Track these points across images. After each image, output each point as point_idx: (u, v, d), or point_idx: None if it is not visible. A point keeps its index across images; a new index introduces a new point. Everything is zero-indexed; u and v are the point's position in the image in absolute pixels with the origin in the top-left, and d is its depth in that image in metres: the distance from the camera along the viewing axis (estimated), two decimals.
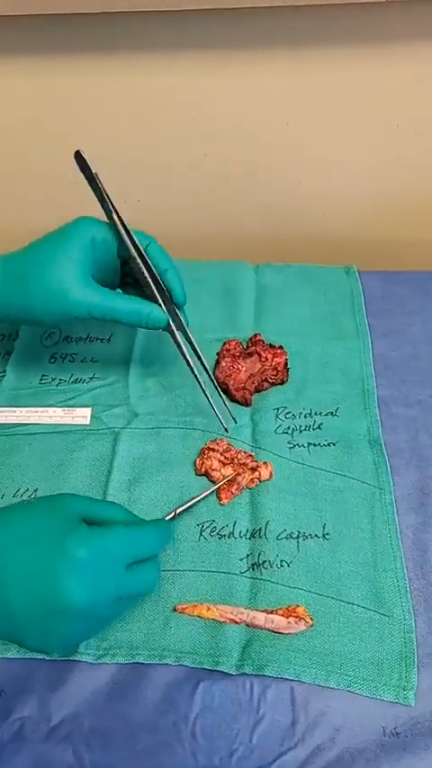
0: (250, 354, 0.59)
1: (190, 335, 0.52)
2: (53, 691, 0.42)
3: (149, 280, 0.49)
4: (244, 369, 0.58)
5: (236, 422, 0.55)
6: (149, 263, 0.49)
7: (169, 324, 0.50)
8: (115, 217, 0.48)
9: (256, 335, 0.61)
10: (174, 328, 0.51)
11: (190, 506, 0.48)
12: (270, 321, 0.64)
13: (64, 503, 0.40)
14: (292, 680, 0.42)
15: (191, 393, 0.57)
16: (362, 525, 0.49)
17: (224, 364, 0.59)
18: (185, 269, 0.68)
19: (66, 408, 0.56)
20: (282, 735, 0.40)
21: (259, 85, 0.67)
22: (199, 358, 0.53)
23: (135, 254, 0.48)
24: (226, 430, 0.53)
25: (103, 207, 0.48)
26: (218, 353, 0.60)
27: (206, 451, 0.52)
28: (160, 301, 0.49)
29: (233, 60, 0.65)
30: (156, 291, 0.49)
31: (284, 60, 0.65)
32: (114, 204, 0.48)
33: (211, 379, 0.54)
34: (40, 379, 0.59)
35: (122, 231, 0.48)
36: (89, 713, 0.41)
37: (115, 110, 0.70)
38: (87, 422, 0.55)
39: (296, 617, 0.44)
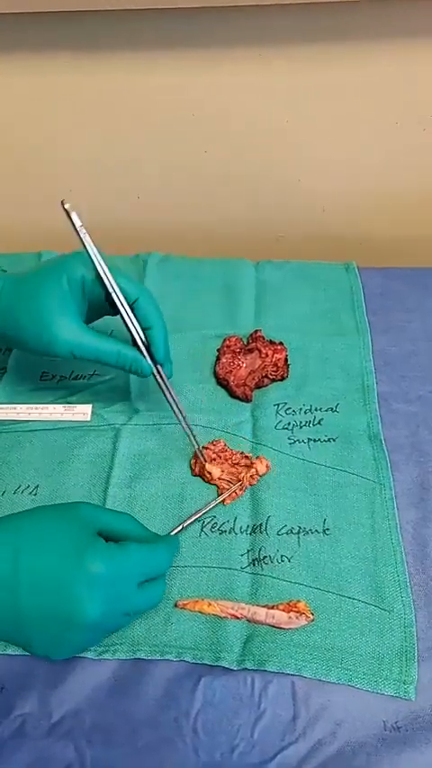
0: (251, 350, 0.59)
1: (170, 388, 0.51)
2: (54, 687, 0.41)
3: (134, 334, 0.49)
4: (244, 365, 0.58)
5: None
6: (132, 319, 0.49)
7: (153, 373, 0.50)
8: (101, 271, 0.47)
9: (256, 332, 0.61)
10: (158, 378, 0.51)
11: (196, 519, 0.49)
12: (270, 317, 0.64)
13: (79, 512, 0.41)
14: (293, 675, 0.42)
15: (192, 390, 0.58)
16: (362, 520, 0.49)
17: (225, 360, 0.59)
18: (186, 266, 0.69)
19: (66, 405, 0.56)
20: (283, 729, 0.40)
21: (259, 83, 0.67)
22: (180, 410, 0.52)
23: (121, 311, 0.48)
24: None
25: (89, 258, 0.47)
26: (218, 350, 0.60)
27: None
28: (144, 352, 0.50)
29: (233, 58, 0.65)
30: (141, 344, 0.50)
31: (284, 58, 0.65)
32: (100, 257, 0.47)
33: (190, 430, 0.52)
34: (41, 376, 0.59)
35: (109, 287, 0.47)
36: (90, 709, 0.41)
37: (115, 107, 0.70)
38: (88, 418, 0.55)
39: (297, 612, 0.44)
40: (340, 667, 0.42)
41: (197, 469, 0.51)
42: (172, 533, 0.47)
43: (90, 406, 0.56)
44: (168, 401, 0.52)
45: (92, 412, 0.56)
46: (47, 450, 0.53)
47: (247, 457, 0.52)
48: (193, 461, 0.52)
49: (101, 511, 0.43)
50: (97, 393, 0.58)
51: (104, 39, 0.64)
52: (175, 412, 0.52)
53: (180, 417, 0.52)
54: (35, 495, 0.51)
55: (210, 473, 0.51)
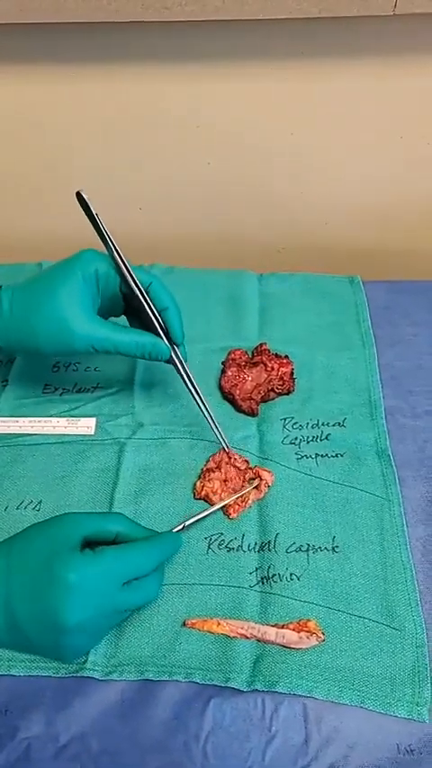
0: (256, 364, 0.59)
1: (188, 370, 0.52)
2: (60, 709, 0.40)
3: (151, 317, 0.50)
4: (250, 378, 0.58)
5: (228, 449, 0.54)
6: (150, 301, 0.50)
7: (171, 356, 0.51)
8: (116, 257, 0.48)
9: (261, 345, 0.61)
10: (176, 360, 0.51)
11: (200, 518, 0.48)
12: (275, 330, 0.64)
13: (62, 525, 0.42)
14: (305, 696, 0.41)
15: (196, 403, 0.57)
16: (371, 538, 0.49)
17: (230, 374, 0.58)
18: (189, 277, 0.69)
19: (69, 418, 0.56)
20: (295, 753, 0.39)
21: (264, 95, 0.67)
22: (197, 392, 0.52)
23: (137, 292, 0.49)
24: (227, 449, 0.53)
25: (105, 247, 0.49)
26: (223, 363, 0.60)
27: (206, 473, 0.52)
28: (162, 335, 0.50)
29: (238, 70, 0.65)
30: (158, 327, 0.50)
31: (289, 70, 0.65)
32: (116, 243, 0.48)
33: (210, 413, 0.53)
34: (43, 389, 0.58)
35: (124, 270, 0.49)
36: (97, 732, 0.40)
37: (119, 118, 0.70)
38: (92, 432, 0.55)
39: (307, 631, 0.43)
40: (352, 688, 0.41)
41: (203, 492, 0.50)
42: (174, 530, 0.46)
43: (94, 419, 0.55)
44: (186, 383, 0.52)
45: (96, 425, 0.55)
46: (50, 464, 0.52)
47: (250, 469, 0.52)
48: (199, 484, 0.51)
49: (86, 518, 0.43)
50: (101, 406, 0.57)
51: (109, 50, 0.64)
52: (192, 394, 0.52)
53: (198, 400, 0.52)
54: (38, 510, 0.50)
55: (212, 489, 0.50)
